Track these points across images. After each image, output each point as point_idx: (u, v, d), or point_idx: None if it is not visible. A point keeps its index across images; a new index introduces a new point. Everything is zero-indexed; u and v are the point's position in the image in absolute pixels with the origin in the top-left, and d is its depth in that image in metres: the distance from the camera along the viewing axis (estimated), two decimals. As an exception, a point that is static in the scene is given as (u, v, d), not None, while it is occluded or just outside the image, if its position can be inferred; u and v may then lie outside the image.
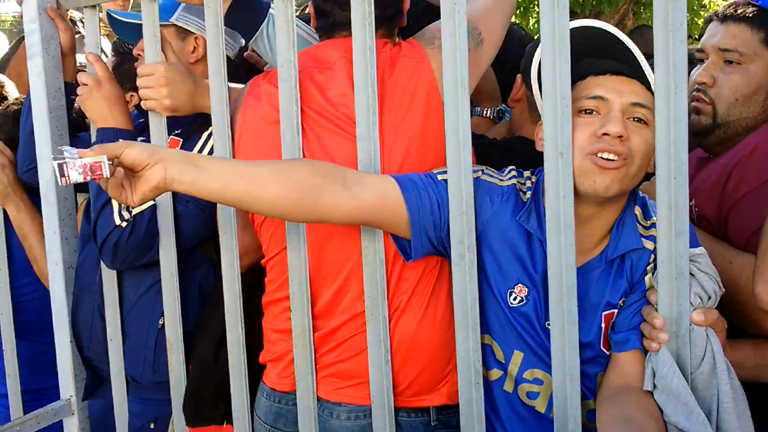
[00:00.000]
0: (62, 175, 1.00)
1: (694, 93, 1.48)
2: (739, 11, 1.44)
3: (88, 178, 1.01)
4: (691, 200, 1.44)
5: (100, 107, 1.62)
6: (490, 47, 1.45)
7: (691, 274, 1.13)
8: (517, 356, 1.27)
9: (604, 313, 1.22)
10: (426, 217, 1.23)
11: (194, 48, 1.77)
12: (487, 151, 1.54)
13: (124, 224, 1.59)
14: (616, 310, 1.22)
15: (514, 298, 1.25)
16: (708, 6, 7.78)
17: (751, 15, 1.42)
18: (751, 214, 1.31)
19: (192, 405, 1.62)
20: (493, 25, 1.45)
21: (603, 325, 1.22)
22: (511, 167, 1.32)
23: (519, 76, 1.70)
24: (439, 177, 1.26)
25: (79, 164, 1.00)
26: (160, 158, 1.08)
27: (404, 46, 1.43)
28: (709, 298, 1.14)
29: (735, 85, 1.42)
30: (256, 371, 1.54)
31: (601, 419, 1.12)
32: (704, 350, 1.13)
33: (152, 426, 1.75)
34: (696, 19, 7.39)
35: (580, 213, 1.19)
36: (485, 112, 2.00)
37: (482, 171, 1.30)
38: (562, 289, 1.17)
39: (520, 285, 1.25)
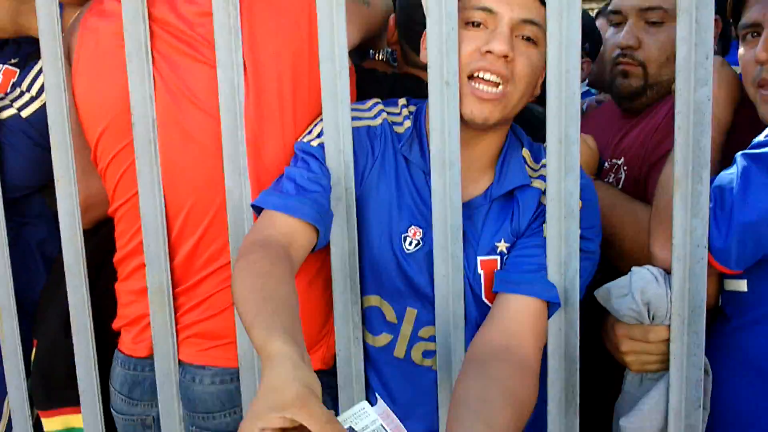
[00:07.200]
0: None
1: (619, 58, 1.46)
2: None
3: None
4: (620, 159, 1.43)
5: None
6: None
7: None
8: (410, 314, 1.17)
9: (480, 258, 1.13)
10: (325, 210, 1.10)
11: None
12: (368, 85, 1.41)
13: None
14: (498, 258, 1.14)
15: (410, 243, 1.15)
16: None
17: None
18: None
19: (42, 386, 1.42)
20: None
21: (481, 271, 1.14)
22: (374, 100, 1.20)
23: (392, 17, 1.58)
24: (313, 143, 1.14)
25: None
26: None
27: None
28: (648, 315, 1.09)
29: (663, 44, 1.40)
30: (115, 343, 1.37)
31: (458, 391, 0.93)
32: None
33: None
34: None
35: (461, 137, 1.10)
36: (378, 55, 1.86)
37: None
38: (446, 231, 1.08)
39: (413, 227, 1.15)
